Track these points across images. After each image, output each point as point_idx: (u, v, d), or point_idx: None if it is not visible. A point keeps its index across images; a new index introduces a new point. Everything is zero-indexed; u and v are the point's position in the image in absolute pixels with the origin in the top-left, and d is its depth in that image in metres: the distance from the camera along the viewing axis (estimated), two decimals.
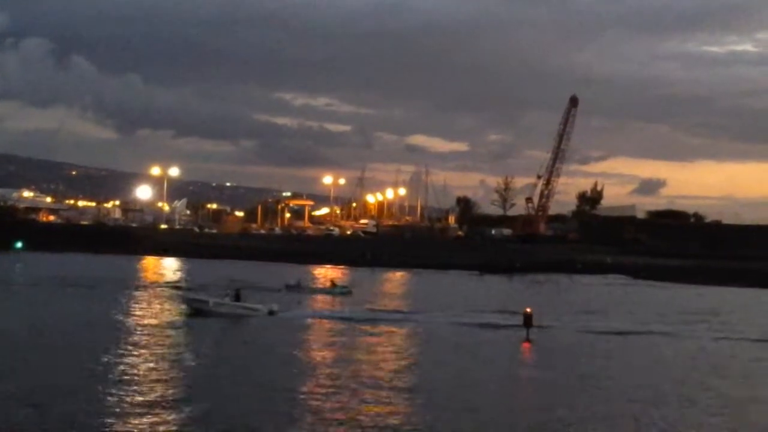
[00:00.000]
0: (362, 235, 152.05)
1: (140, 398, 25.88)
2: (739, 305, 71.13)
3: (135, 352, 34.50)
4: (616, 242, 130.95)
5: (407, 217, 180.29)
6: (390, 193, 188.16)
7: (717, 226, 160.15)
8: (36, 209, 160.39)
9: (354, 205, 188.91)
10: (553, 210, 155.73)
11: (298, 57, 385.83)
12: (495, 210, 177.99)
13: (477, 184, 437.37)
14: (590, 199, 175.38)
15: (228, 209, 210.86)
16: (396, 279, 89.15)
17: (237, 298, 49.66)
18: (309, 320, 48.62)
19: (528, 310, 44.41)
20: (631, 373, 34.77)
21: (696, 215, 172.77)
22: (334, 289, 67.30)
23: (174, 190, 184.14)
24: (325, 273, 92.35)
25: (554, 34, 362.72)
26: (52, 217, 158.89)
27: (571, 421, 25.62)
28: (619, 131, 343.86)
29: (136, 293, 60.86)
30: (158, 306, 53.38)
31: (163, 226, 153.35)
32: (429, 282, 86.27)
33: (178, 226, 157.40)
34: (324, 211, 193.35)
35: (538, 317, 45.40)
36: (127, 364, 31.55)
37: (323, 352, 37.62)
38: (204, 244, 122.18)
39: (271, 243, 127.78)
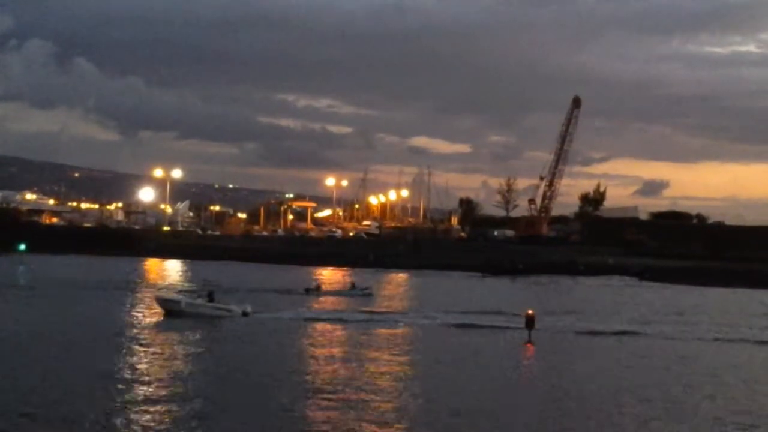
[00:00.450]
0: (365, 236, 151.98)
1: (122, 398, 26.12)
2: (743, 306, 71.17)
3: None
4: (619, 243, 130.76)
5: (410, 219, 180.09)
6: (392, 195, 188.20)
7: (720, 227, 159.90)
8: (39, 211, 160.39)
9: (357, 206, 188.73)
10: (555, 211, 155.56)
11: (301, 59, 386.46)
12: (497, 211, 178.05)
13: (479, 186, 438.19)
14: (593, 201, 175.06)
15: (231, 211, 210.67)
16: (398, 280, 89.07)
17: (211, 298, 49.14)
18: (285, 322, 47.61)
19: (530, 311, 44.37)
20: (628, 373, 34.82)
21: (699, 216, 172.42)
22: (354, 290, 66.92)
23: (176, 192, 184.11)
24: (330, 275, 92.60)
25: (556, 35, 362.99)
26: (54, 219, 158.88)
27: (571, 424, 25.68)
28: (622, 132, 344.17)
29: (127, 294, 60.55)
30: (141, 308, 52.73)
31: (166, 228, 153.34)
32: (431, 283, 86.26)
33: (180, 228, 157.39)
34: (327, 212, 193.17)
35: (541, 319, 45.43)
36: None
37: (305, 352, 37.68)
38: (207, 245, 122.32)
39: (274, 245, 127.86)
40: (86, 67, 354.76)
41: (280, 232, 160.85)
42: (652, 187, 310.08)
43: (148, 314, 48.92)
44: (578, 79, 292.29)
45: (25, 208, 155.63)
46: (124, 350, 35.69)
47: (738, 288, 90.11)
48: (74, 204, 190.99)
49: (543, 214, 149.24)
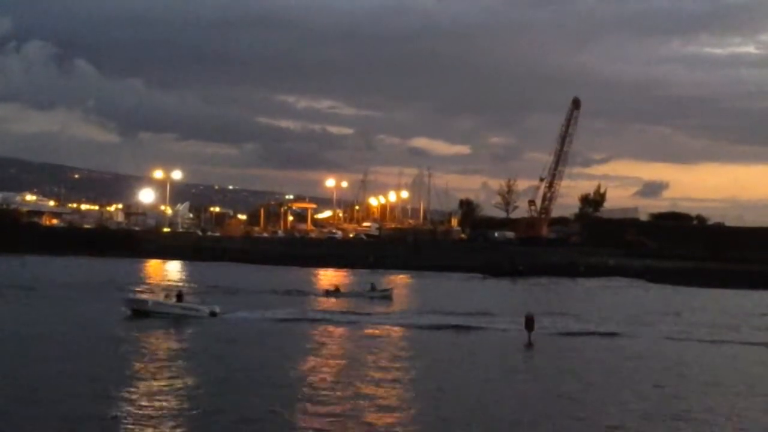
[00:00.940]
0: (365, 238, 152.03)
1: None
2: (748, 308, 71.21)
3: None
4: (619, 245, 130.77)
5: (410, 220, 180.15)
6: (392, 196, 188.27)
7: (720, 228, 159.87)
8: (38, 213, 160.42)
9: (357, 208, 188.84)
10: (555, 213, 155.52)
11: (301, 60, 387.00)
12: (497, 213, 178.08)
13: (479, 187, 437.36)
14: (593, 202, 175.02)
15: (231, 212, 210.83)
16: (398, 282, 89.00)
17: (179, 298, 48.99)
18: (253, 322, 47.06)
19: (529, 313, 44.34)
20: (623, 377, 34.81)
21: (699, 217, 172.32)
22: (374, 292, 66.63)
23: (176, 193, 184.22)
24: (330, 276, 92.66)
25: (556, 36, 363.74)
26: (54, 221, 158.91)
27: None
28: (622, 133, 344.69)
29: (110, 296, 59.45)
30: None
31: (166, 230, 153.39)
32: (431, 285, 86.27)
33: (180, 230, 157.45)
34: (327, 214, 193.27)
35: (539, 320, 45.39)
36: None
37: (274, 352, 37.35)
38: (207, 247, 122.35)
39: (274, 246, 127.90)
40: (86, 68, 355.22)
41: (280, 233, 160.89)
42: (652, 189, 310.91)
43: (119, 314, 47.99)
44: (578, 80, 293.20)
45: (25, 209, 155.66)
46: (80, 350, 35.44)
47: (739, 289, 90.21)
48: (74, 205, 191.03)
49: (543, 216, 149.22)
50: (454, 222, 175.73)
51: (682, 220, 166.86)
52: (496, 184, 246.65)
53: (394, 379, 31.68)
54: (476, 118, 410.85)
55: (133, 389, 27.60)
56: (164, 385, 28.59)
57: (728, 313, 64.44)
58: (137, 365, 32.30)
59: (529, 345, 42.25)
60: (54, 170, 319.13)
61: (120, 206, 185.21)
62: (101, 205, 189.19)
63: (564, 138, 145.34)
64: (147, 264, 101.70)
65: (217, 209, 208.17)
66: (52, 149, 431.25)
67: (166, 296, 49.86)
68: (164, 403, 25.79)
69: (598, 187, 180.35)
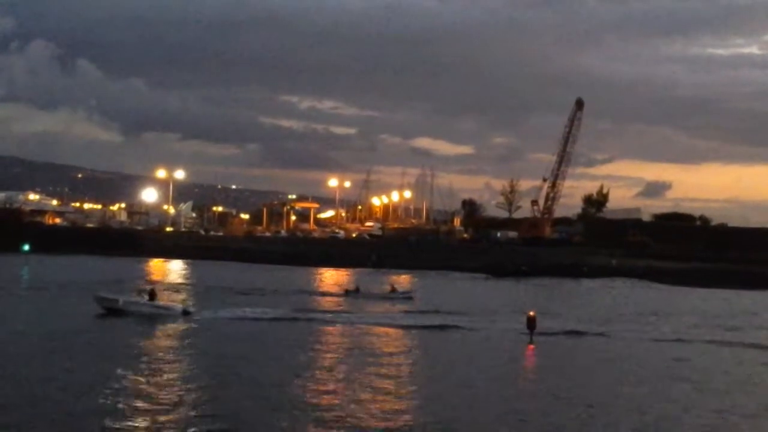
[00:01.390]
0: (368, 237, 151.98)
1: None
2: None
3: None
4: (622, 245, 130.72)
5: (413, 220, 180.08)
6: (395, 196, 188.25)
7: (723, 228, 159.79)
8: (42, 212, 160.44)
9: (359, 207, 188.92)
10: (558, 213, 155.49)
11: (304, 60, 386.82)
12: (500, 213, 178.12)
13: (482, 187, 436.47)
14: (596, 202, 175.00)
15: (233, 212, 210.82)
16: (401, 282, 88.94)
17: (152, 297, 48.61)
18: (226, 321, 46.64)
19: (531, 313, 44.40)
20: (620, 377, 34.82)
21: (702, 218, 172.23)
22: (394, 293, 66.34)
23: (179, 192, 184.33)
24: (332, 276, 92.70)
25: (559, 37, 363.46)
26: (57, 220, 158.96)
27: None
28: (624, 134, 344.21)
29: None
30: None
31: (169, 229, 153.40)
32: (431, 284, 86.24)
33: (183, 229, 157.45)
34: (329, 213, 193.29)
35: (540, 320, 45.45)
36: None
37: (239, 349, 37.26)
38: (210, 246, 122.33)
39: (276, 246, 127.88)
40: (89, 68, 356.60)
41: (283, 233, 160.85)
42: (655, 189, 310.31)
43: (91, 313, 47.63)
44: (581, 81, 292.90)
45: (28, 208, 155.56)
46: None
47: (741, 290, 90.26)
48: (77, 204, 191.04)
49: (546, 216, 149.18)
50: (457, 222, 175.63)
51: (685, 221, 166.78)
52: (499, 184, 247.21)
53: (389, 378, 31.75)
54: (479, 119, 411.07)
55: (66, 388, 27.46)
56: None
57: (718, 314, 64.42)
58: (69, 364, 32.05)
59: (531, 344, 42.31)
60: (57, 170, 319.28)
61: (123, 205, 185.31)
62: (104, 205, 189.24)
63: (567, 138, 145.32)
64: (149, 263, 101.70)
65: (220, 209, 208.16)
66: (56, 149, 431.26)
67: (138, 294, 49.42)
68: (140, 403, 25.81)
69: (601, 187, 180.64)
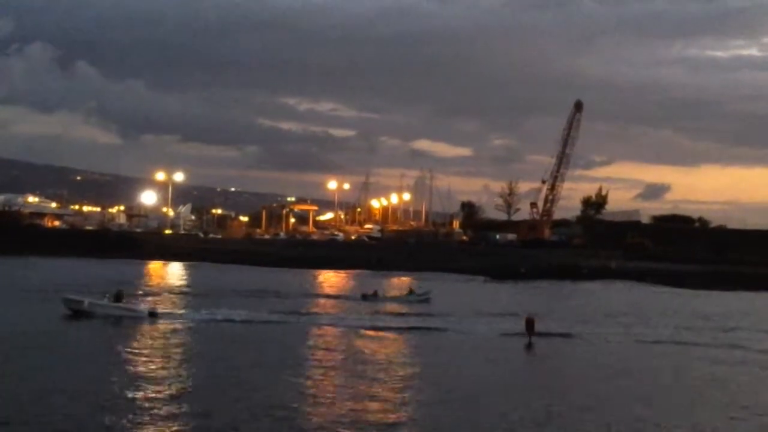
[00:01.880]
0: (367, 240, 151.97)
1: None
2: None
3: None
4: (621, 247, 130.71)
5: (412, 222, 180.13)
6: (394, 198, 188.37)
7: (722, 230, 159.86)
8: (41, 214, 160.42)
9: (358, 210, 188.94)
10: (557, 215, 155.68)
11: (303, 62, 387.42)
12: (499, 215, 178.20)
13: (481, 189, 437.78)
14: (595, 204, 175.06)
15: (232, 214, 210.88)
16: (401, 284, 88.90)
17: (118, 298, 48.27)
18: (194, 323, 46.29)
19: (530, 315, 44.38)
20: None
21: (701, 220, 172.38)
22: (411, 296, 66.06)
23: (178, 195, 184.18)
24: (331, 278, 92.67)
25: (558, 38, 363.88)
26: (56, 223, 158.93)
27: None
28: (624, 136, 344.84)
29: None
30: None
31: (168, 232, 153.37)
32: (432, 287, 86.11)
33: (182, 232, 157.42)
34: (328, 216, 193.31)
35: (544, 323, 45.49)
36: None
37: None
38: (209, 249, 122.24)
39: (275, 248, 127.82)
40: (88, 70, 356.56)
41: (282, 235, 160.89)
42: (654, 191, 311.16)
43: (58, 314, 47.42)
44: (580, 83, 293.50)
45: (27, 211, 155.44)
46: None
47: (739, 291, 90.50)
48: (76, 207, 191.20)
49: (545, 218, 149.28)
50: (456, 224, 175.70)
51: (684, 223, 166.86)
52: (498, 186, 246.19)
53: (382, 383, 31.72)
54: (478, 121, 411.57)
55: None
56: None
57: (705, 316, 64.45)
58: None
59: (530, 347, 42.28)
60: (56, 172, 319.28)
61: (122, 208, 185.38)
62: (103, 207, 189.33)
63: (566, 140, 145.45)
64: (148, 266, 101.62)
65: (219, 211, 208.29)
66: (55, 151, 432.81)
67: (105, 296, 48.97)
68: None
69: (600, 189, 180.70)
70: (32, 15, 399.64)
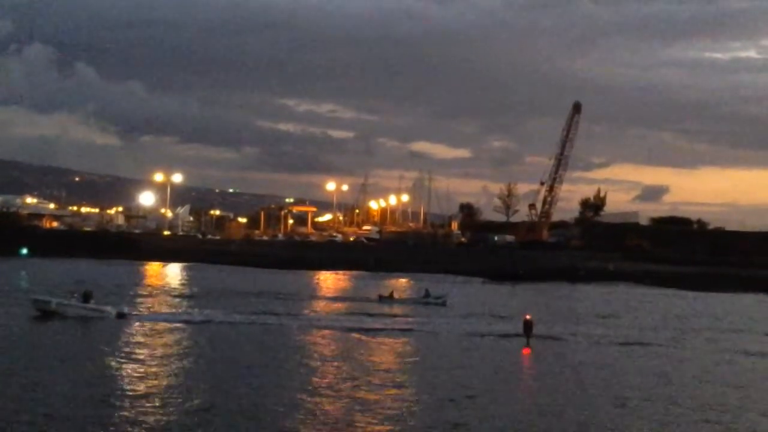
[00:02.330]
0: (365, 241, 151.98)
1: None
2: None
3: None
4: (619, 249, 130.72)
5: (410, 224, 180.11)
6: (393, 200, 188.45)
7: (720, 232, 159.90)
8: (39, 215, 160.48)
9: (357, 211, 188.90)
10: (555, 217, 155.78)
11: (302, 63, 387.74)
12: (498, 216, 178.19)
13: (480, 191, 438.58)
14: (593, 206, 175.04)
15: (231, 215, 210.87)
16: (399, 286, 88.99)
17: (86, 299, 48.11)
18: (161, 323, 46.03)
19: (527, 316, 44.37)
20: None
21: (699, 222, 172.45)
22: (428, 298, 65.95)
23: (177, 196, 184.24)
24: (329, 279, 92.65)
25: (557, 40, 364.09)
26: (55, 224, 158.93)
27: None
28: (622, 138, 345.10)
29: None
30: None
31: (166, 233, 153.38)
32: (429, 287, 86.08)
33: (181, 233, 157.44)
34: (327, 217, 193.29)
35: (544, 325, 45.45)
36: None
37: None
38: (207, 250, 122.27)
39: (274, 249, 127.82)
40: (87, 71, 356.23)
41: (281, 236, 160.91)
42: (653, 193, 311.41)
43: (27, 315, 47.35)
44: (579, 85, 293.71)
45: (25, 212, 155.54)
46: None
47: (735, 293, 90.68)
48: (75, 208, 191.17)
49: (543, 220, 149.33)
50: (455, 226, 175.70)
51: (682, 225, 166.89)
52: (497, 187, 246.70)
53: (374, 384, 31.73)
54: (477, 122, 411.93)
55: None
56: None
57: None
58: None
59: (527, 348, 42.28)
60: (55, 173, 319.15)
61: (120, 209, 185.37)
62: (102, 208, 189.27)
63: (564, 142, 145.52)
64: (147, 267, 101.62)
65: (218, 212, 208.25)
66: (53, 152, 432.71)
67: (72, 296, 48.77)
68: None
69: (599, 191, 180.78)
70: (31, 16, 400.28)
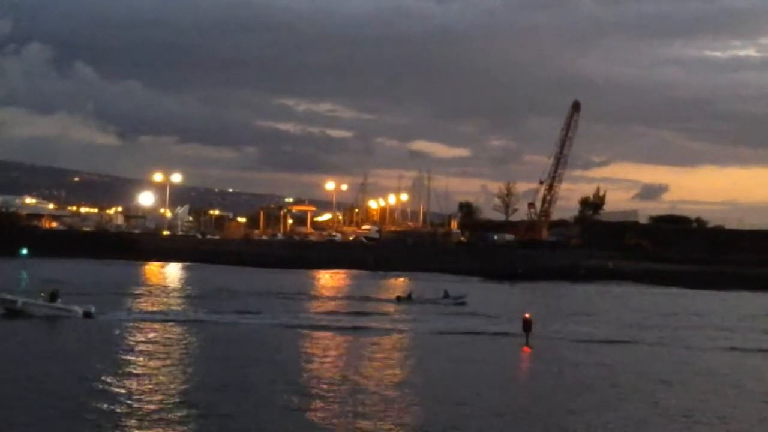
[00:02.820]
0: (365, 240, 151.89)
1: None
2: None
3: None
4: (618, 248, 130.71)
5: (409, 223, 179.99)
6: (392, 199, 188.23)
7: (719, 231, 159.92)
8: (38, 216, 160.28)
9: (356, 210, 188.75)
10: (555, 215, 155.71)
11: (301, 63, 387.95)
12: (497, 215, 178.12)
13: (479, 190, 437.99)
14: (592, 205, 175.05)
15: (230, 215, 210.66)
16: (398, 285, 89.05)
17: (53, 298, 47.88)
18: (129, 323, 45.95)
19: (527, 315, 44.37)
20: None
21: (698, 220, 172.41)
22: (447, 299, 65.88)
23: (176, 196, 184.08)
24: (329, 278, 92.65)
25: (557, 39, 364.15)
26: (54, 224, 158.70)
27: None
28: (622, 136, 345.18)
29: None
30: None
31: (166, 233, 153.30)
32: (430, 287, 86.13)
33: (180, 233, 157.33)
34: (326, 216, 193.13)
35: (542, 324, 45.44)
36: None
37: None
38: (206, 250, 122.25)
39: (273, 249, 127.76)
40: (86, 71, 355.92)
41: (280, 236, 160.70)
42: (652, 191, 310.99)
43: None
44: (578, 83, 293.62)
45: (24, 212, 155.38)
46: None
47: (735, 291, 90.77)
48: (74, 208, 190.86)
49: (543, 218, 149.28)
50: (454, 225, 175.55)
51: (682, 223, 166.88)
52: (496, 186, 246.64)
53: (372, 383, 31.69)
54: (476, 121, 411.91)
55: None
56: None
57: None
58: None
59: (527, 346, 42.28)
60: (54, 173, 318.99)
61: (119, 209, 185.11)
62: (101, 208, 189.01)
63: (564, 141, 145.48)
64: (146, 267, 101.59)
65: (217, 212, 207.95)
66: (52, 152, 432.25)
67: (40, 295, 48.60)
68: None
69: (598, 189, 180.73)
70: (30, 16, 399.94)
